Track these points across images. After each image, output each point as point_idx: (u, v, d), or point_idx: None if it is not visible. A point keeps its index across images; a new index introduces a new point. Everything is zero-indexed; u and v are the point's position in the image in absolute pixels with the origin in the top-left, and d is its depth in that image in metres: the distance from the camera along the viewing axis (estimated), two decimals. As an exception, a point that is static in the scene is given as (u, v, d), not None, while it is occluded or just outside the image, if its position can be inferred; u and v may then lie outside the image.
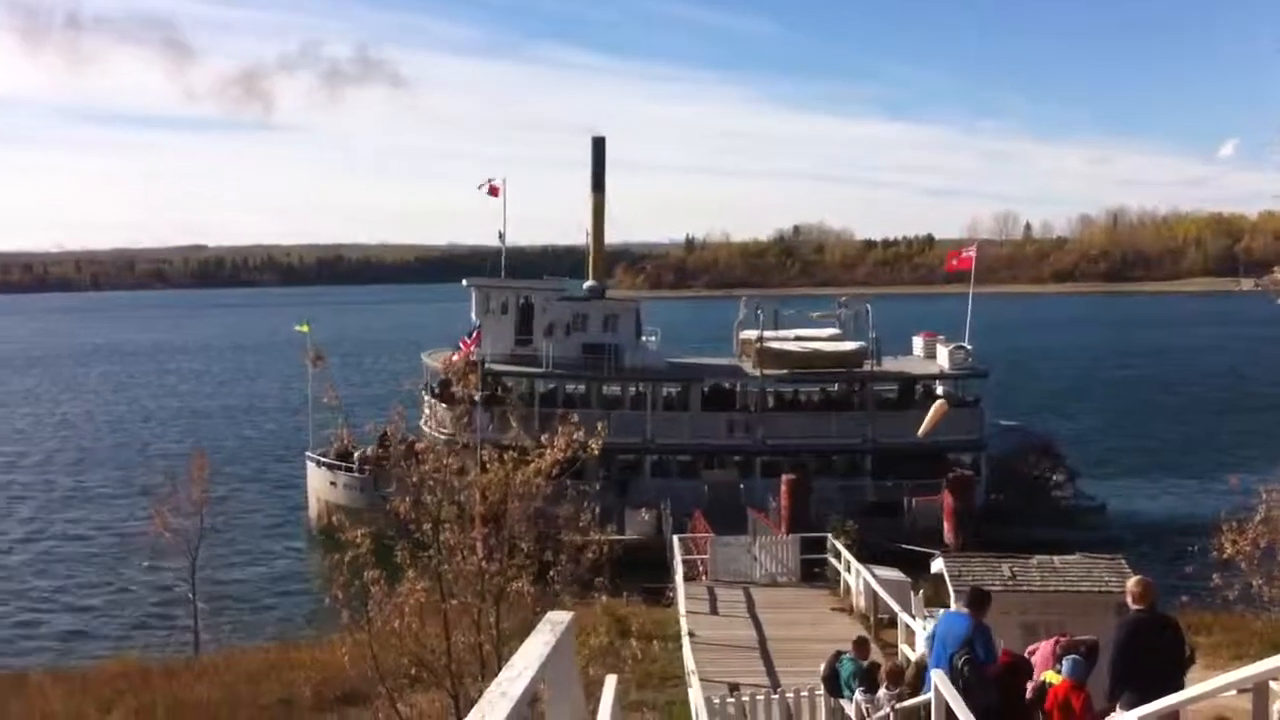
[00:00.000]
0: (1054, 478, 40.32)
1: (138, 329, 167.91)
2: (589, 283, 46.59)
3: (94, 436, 63.66)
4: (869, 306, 43.35)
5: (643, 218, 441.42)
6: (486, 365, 36.48)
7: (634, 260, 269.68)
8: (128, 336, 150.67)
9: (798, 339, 44.02)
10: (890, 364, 42.62)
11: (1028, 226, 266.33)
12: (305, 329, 40.45)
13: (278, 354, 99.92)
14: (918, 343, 43.89)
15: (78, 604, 33.40)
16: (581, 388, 42.41)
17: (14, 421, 70.30)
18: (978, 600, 11.27)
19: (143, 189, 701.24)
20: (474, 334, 38.82)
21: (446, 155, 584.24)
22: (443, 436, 31.18)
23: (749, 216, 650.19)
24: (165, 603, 31.20)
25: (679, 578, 26.40)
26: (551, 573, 16.25)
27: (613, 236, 52.79)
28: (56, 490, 49.00)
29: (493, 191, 43.39)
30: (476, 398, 22.11)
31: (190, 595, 22.26)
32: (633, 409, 41.17)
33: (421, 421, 42.96)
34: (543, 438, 16.36)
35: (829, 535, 28.00)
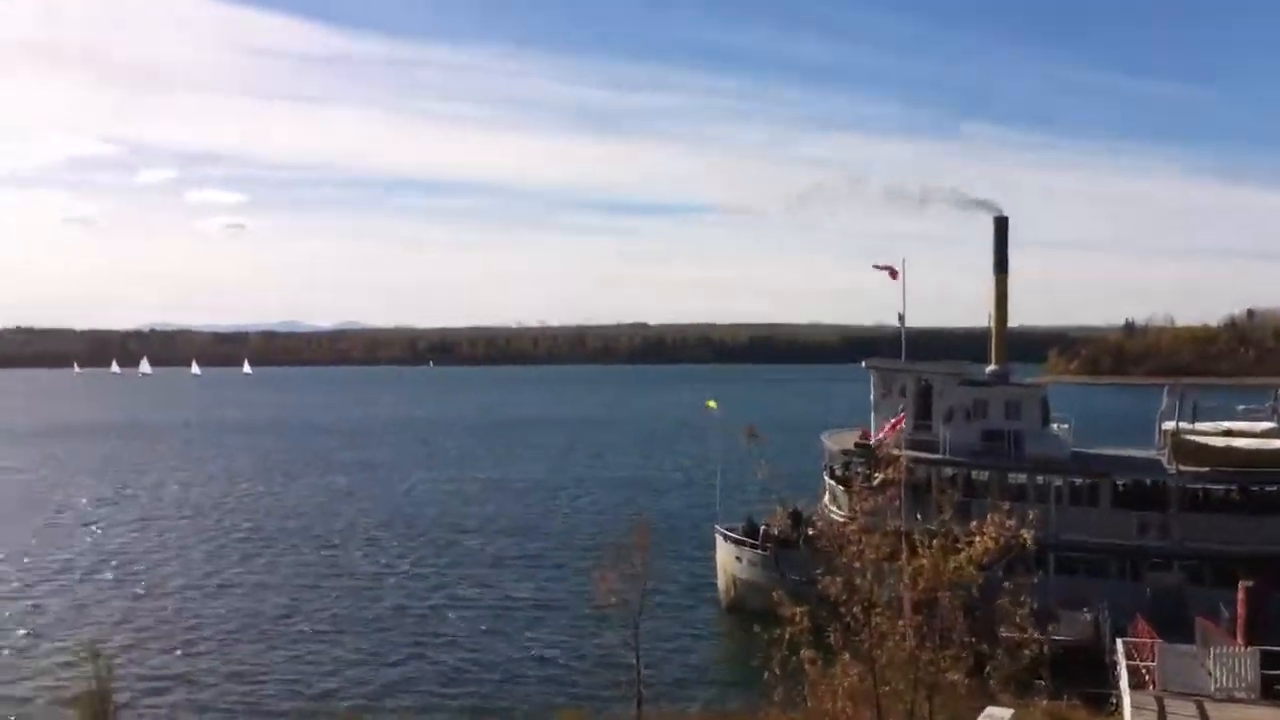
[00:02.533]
0: None
1: (576, 402, 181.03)
2: (991, 367, 45.55)
3: (526, 500, 69.22)
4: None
5: (1078, 300, 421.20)
6: (876, 450, 36.55)
7: (1068, 344, 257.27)
8: (567, 410, 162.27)
9: (1226, 433, 40.67)
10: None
11: None
12: (713, 405, 42.49)
13: (704, 427, 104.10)
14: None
15: (528, 658, 35.56)
16: (984, 475, 41.36)
17: (466, 486, 77.82)
18: None
19: (592, 271, 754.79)
20: (896, 419, 39.54)
21: (867, 235, 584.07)
22: (839, 518, 31.41)
23: (1192, 298, 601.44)
24: (608, 664, 32.38)
25: (1124, 684, 24.90)
26: (987, 667, 15.88)
27: (1045, 318, 51.24)
28: (492, 549, 53.39)
29: (891, 274, 43.86)
30: (897, 481, 21.60)
31: (634, 659, 23.46)
32: (1037, 500, 39.51)
33: (823, 502, 43.68)
34: (971, 525, 16.01)
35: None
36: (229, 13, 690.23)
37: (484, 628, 38.53)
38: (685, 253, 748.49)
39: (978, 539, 15.61)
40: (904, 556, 16.29)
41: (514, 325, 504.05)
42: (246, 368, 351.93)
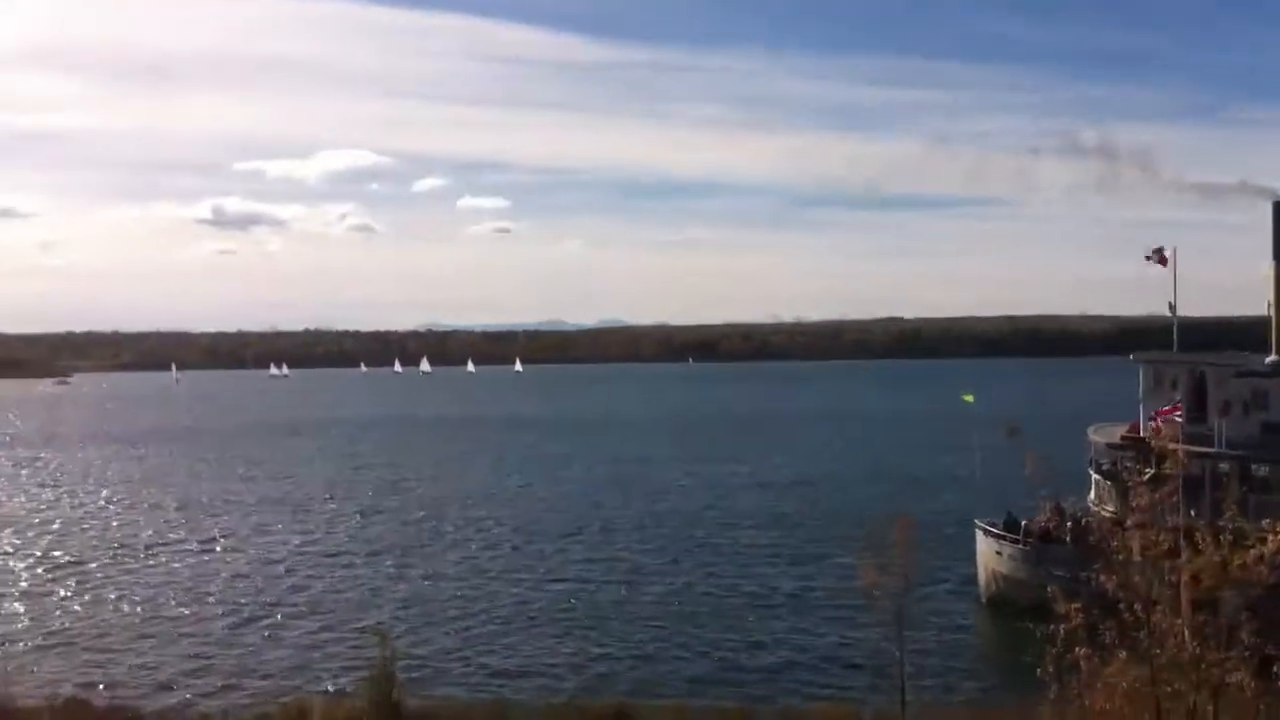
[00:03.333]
0: None
1: (833, 396, 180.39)
2: (1271, 357, 43.49)
3: (787, 493, 69.99)
4: None
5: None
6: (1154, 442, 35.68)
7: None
8: (824, 404, 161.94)
9: None
10: None
11: None
12: (969, 399, 42.36)
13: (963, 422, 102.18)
14: None
15: (789, 650, 35.93)
16: (1264, 470, 39.61)
17: (730, 479, 79.35)
18: None
19: (847, 266, 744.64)
20: (1168, 410, 38.54)
21: (1139, 223, 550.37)
22: (1109, 514, 30.98)
23: None
24: (869, 658, 32.48)
25: None
26: (1276, 668, 15.53)
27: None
28: (752, 542, 54.19)
29: (1161, 260, 42.48)
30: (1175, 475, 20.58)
31: (897, 652, 23.38)
32: (1323, 497, 37.39)
33: (1089, 498, 42.79)
34: (1263, 523, 15.70)
35: None
36: (484, 27, 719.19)
37: (747, 620, 39.37)
38: (941, 245, 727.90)
39: (1270, 536, 15.17)
40: (1184, 554, 15.90)
41: (770, 321, 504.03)
42: (518, 365, 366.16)
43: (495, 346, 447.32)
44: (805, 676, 32.98)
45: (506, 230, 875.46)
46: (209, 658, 33.39)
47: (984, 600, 42.06)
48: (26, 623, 37.37)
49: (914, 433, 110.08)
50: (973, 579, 44.06)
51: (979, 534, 43.81)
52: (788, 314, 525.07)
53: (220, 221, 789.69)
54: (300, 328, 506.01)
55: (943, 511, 58.68)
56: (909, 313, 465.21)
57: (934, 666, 33.49)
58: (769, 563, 48.79)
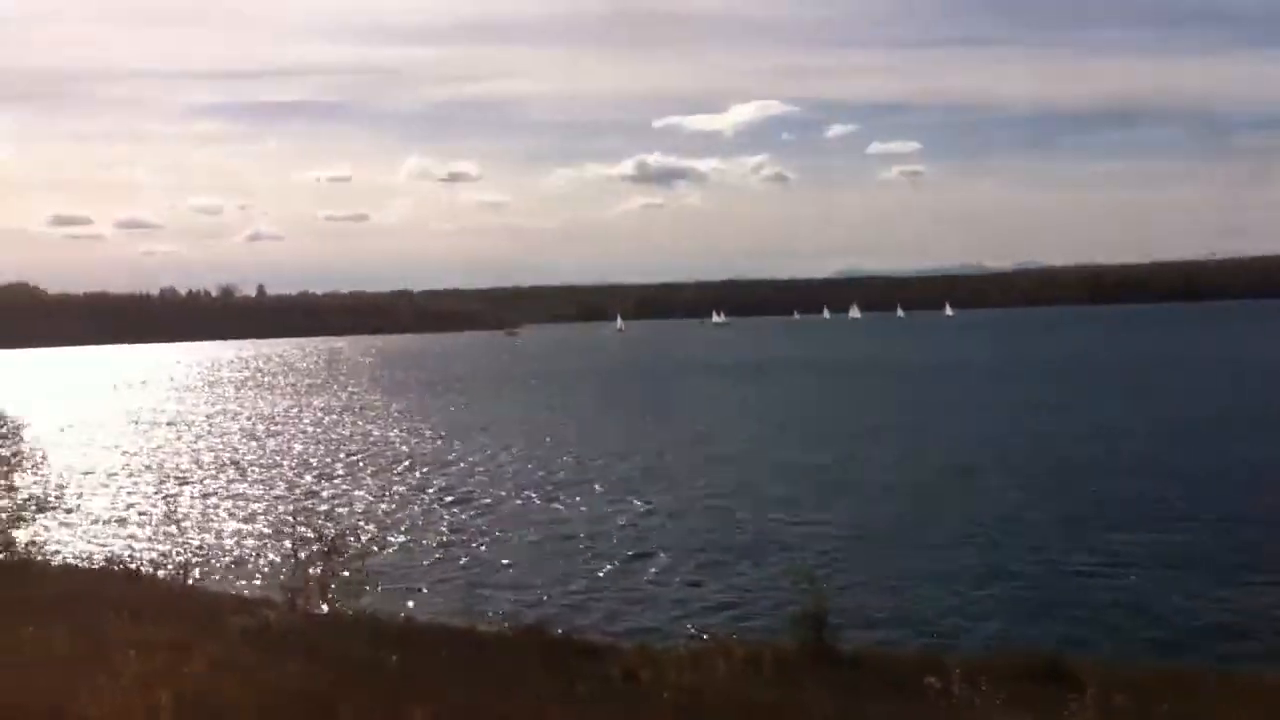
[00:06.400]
0: None
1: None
2: None
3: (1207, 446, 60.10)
4: None
5: None
6: None
7: None
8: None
9: None
10: None
11: None
12: None
13: None
14: None
15: (1210, 613, 30.22)
16: None
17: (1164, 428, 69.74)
18: None
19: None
20: None
21: None
22: None
23: None
24: None
25: None
26: None
27: None
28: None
29: None
30: None
31: None
32: None
33: None
34: None
35: None
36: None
37: (1157, 578, 33.28)
38: None
39: None
40: None
41: (1204, 258, 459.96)
42: (948, 310, 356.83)
43: (916, 292, 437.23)
44: (1225, 642, 26.84)
45: (918, 173, 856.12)
46: (654, 595, 32.06)
47: None
48: (473, 557, 37.68)
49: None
50: None
51: None
52: (1225, 249, 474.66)
53: (644, 177, 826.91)
54: (721, 277, 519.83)
55: None
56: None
57: None
58: (1187, 521, 40.57)
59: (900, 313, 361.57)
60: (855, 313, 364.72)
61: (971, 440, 62.79)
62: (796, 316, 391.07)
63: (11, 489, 25.01)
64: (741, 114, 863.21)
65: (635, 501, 45.62)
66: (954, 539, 38.35)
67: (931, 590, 32.09)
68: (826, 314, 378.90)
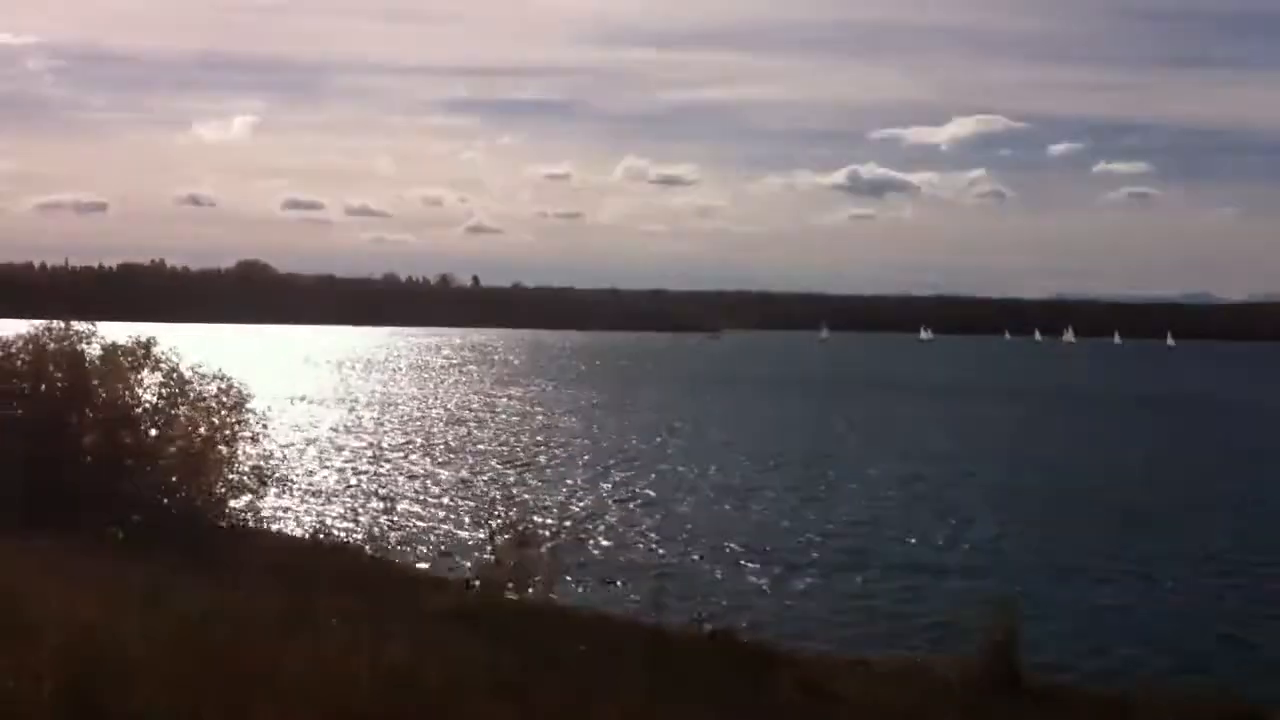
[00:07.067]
0: None
1: None
2: None
3: None
4: None
5: None
6: None
7: None
8: None
9: None
10: None
11: None
12: None
13: None
14: None
15: None
16: None
17: None
18: None
19: None
20: None
21: None
22: None
23: None
24: None
25: None
26: None
27: None
28: None
29: None
30: None
31: None
32: None
33: None
34: None
35: None
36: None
37: None
38: None
39: None
40: None
41: None
42: (1170, 340, 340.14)
43: (1135, 319, 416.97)
44: None
45: (1146, 195, 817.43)
46: (844, 607, 31.50)
47: None
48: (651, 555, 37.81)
49: None
50: None
51: None
52: None
53: (855, 188, 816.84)
54: (930, 293, 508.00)
55: None
56: None
57: None
58: None
59: (1117, 339, 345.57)
60: (1070, 336, 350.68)
61: (1196, 476, 59.71)
62: (1007, 336, 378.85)
63: (233, 457, 26.27)
64: (962, 128, 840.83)
65: (833, 512, 45.19)
66: (1165, 577, 36.51)
67: (1128, 628, 30.55)
68: (1038, 336, 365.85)
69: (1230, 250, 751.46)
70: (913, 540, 40.42)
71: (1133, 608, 32.25)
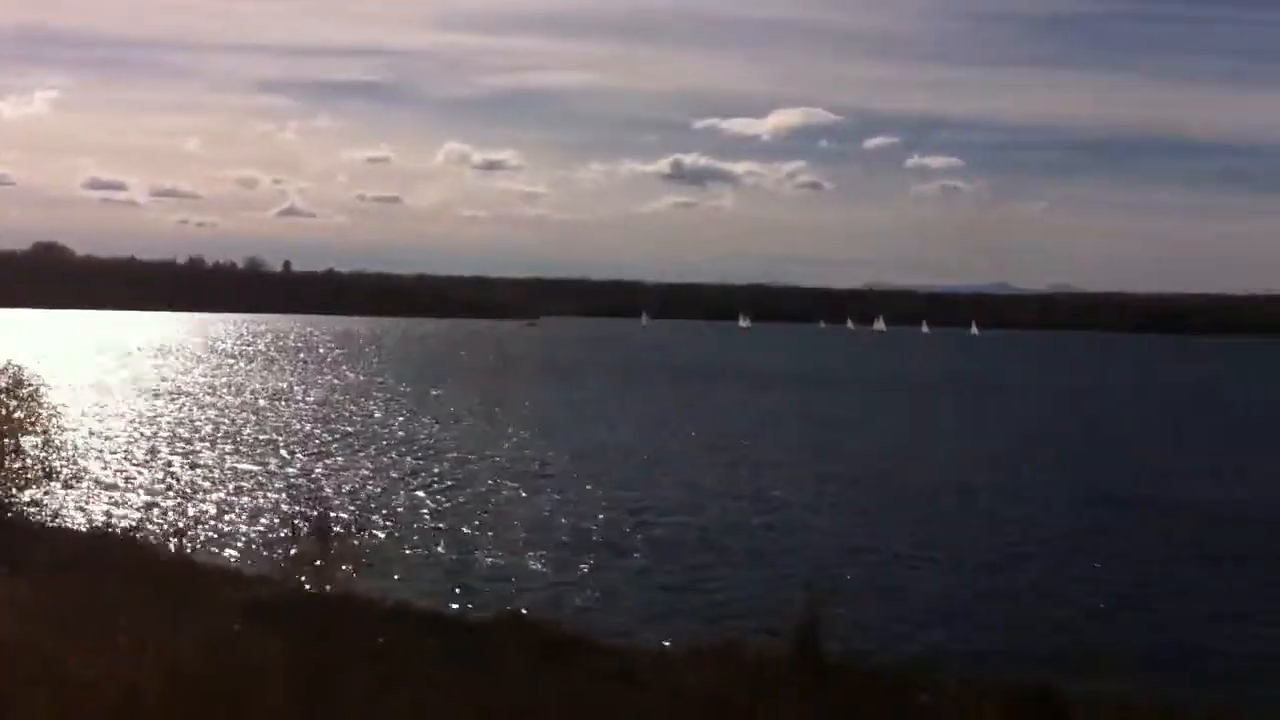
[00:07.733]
0: None
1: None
2: None
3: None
4: None
5: None
6: None
7: None
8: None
9: None
10: None
11: None
12: None
13: None
14: None
15: None
16: None
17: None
18: None
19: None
20: None
21: None
22: None
23: None
24: None
25: None
26: None
27: None
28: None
29: None
30: None
31: None
32: None
33: None
34: None
35: None
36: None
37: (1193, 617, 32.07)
38: None
39: None
40: None
41: (1242, 294, 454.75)
42: (974, 329, 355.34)
43: (938, 308, 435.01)
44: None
45: (956, 189, 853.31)
46: (646, 592, 31.93)
47: None
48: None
49: None
50: None
51: None
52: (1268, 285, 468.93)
53: (678, 177, 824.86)
54: (746, 281, 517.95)
55: None
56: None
57: None
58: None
59: (925, 328, 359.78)
60: (880, 325, 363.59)
61: (996, 455, 62.69)
62: (821, 325, 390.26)
63: (20, 450, 25.11)
64: (784, 119, 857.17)
65: (631, 496, 45.74)
66: (968, 559, 38.01)
67: (930, 608, 31.64)
68: (851, 324, 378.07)
69: (1034, 243, 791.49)
70: (727, 527, 41.22)
71: (936, 591, 33.54)
